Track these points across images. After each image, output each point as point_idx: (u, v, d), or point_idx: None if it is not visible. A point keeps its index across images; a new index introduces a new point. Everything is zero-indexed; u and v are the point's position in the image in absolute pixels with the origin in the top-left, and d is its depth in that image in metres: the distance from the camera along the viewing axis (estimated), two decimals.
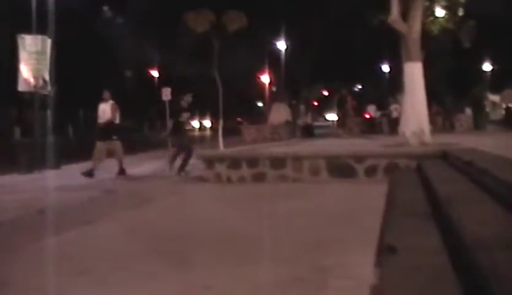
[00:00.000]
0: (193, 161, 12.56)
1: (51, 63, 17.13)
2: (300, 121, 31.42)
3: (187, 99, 13.89)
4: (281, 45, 43.35)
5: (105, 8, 51.36)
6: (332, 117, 28.50)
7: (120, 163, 13.59)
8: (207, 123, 37.68)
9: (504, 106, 30.16)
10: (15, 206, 8.68)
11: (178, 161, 13.20)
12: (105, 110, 13.95)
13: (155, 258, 5.08)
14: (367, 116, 32.96)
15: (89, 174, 12.98)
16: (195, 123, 37.82)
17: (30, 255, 5.36)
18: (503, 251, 3.19)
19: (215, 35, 14.26)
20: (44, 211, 8.12)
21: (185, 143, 13.59)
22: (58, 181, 12.81)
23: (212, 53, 14.34)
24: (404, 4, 12.56)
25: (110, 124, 13.79)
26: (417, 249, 3.93)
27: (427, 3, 19.05)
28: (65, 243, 5.85)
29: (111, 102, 14.10)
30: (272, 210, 7.30)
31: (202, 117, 38.84)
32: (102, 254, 5.31)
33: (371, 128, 27.64)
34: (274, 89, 45.89)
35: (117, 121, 14.05)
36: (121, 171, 13.54)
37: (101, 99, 14.34)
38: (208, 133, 34.37)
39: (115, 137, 13.69)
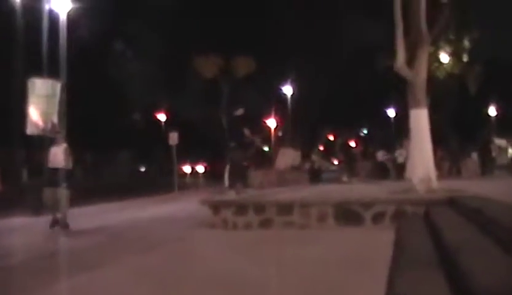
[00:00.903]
0: (198, 207, 12.54)
1: (61, 106, 17.29)
2: (306, 166, 31.39)
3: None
4: (287, 89, 43.66)
5: (118, 43, 51.86)
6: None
7: (63, 214, 12.29)
8: (199, 168, 37.53)
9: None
10: (25, 250, 8.70)
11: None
12: (57, 153, 13.00)
13: None
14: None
15: (54, 224, 12.02)
16: (187, 168, 37.67)
17: None
18: None
19: (224, 79, 14.42)
20: (54, 255, 8.14)
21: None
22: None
23: (220, 97, 14.47)
24: (410, 51, 12.68)
25: (60, 170, 12.66)
26: None
27: (432, 50, 19.26)
28: (75, 288, 5.85)
29: (64, 145, 13.27)
30: (279, 257, 7.29)
31: (195, 162, 38.63)
32: None
33: (379, 173, 27.56)
34: (280, 133, 46.01)
35: (69, 166, 13.04)
36: (58, 223, 12.17)
37: (53, 142, 13.46)
38: (200, 179, 34.21)
39: (64, 184, 12.54)
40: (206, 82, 16.41)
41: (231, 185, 14.55)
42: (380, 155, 28.35)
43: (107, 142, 48.50)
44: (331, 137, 69.95)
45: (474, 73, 26.88)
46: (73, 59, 19.52)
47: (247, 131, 15.47)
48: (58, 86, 17.23)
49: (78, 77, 23.85)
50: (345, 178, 17.89)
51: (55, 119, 17.04)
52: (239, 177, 15.23)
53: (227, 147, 15.17)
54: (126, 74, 47.90)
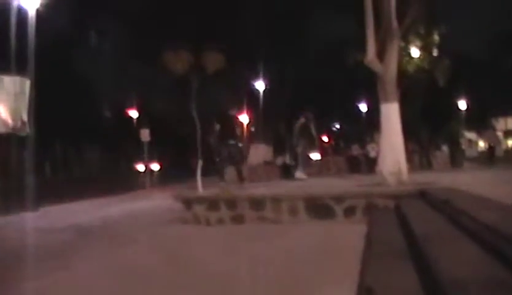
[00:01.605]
0: (171, 202, 12.49)
1: (30, 103, 17.09)
2: (278, 161, 31.45)
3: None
4: (259, 85, 43.65)
5: (88, 39, 51.33)
6: (315, 156, 28.55)
7: None
8: (155, 166, 37.03)
9: (486, 145, 30.51)
10: None
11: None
12: None
13: None
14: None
15: None
16: (140, 167, 37.19)
17: None
18: (479, 291, 3.22)
19: (194, 75, 14.35)
20: (23, 253, 8.05)
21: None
22: (35, 223, 12.71)
23: (191, 93, 14.41)
24: (380, 44, 12.73)
25: None
26: (394, 289, 3.95)
27: (403, 44, 19.38)
28: (45, 287, 5.79)
29: None
30: (251, 251, 7.29)
31: (150, 160, 38.02)
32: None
33: (352, 166, 27.66)
34: (252, 129, 46.00)
35: None
36: None
37: None
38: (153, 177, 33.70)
39: None
40: (176, 78, 16.32)
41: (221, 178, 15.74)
42: (355, 149, 28.49)
43: (77, 139, 48.08)
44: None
45: (443, 67, 27.09)
46: (42, 56, 19.28)
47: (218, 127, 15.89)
48: (26, 83, 17.03)
49: (47, 73, 23.58)
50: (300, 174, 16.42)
51: (24, 116, 16.85)
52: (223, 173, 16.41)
53: (223, 144, 15.89)
54: (96, 70, 47.49)
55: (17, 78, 16.89)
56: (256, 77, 43.27)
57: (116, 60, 47.41)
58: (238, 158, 16.58)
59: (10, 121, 16.51)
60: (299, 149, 16.95)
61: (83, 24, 47.88)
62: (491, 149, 27.79)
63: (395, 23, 12.56)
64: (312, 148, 17.32)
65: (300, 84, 43.81)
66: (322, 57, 41.99)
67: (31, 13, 18.89)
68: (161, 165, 38.68)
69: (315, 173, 22.10)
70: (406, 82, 20.56)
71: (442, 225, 5.96)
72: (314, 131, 16.40)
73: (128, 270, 6.56)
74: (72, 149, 50.93)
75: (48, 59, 27.95)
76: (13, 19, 18.35)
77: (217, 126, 15.78)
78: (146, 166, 37.33)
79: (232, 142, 16.42)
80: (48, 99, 27.00)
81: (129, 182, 28.89)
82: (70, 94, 44.23)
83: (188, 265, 6.58)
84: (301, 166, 16.76)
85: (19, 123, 16.68)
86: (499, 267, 3.69)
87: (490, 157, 26.79)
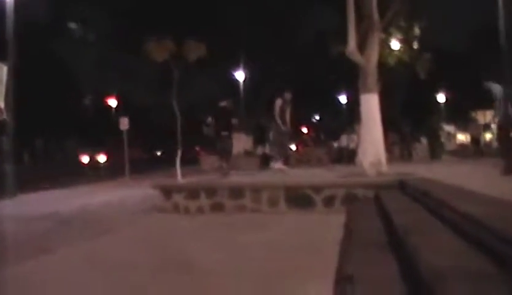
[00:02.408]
0: (151, 191, 12.42)
1: (8, 89, 16.86)
2: (258, 151, 31.42)
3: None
4: (240, 75, 43.61)
5: (72, 24, 50.95)
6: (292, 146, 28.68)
7: None
8: (101, 158, 36.02)
9: (469, 137, 30.89)
10: None
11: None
12: None
13: (114, 289, 5.01)
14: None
15: None
16: (85, 159, 36.25)
17: None
18: (459, 281, 3.22)
19: (175, 64, 14.24)
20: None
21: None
22: (14, 210, 12.62)
23: (172, 82, 14.31)
24: (362, 36, 12.76)
25: None
26: (374, 279, 3.95)
27: (384, 36, 19.42)
28: (23, 274, 5.73)
29: None
30: (230, 241, 7.28)
31: (95, 151, 37.24)
32: (61, 286, 5.21)
33: (338, 158, 27.75)
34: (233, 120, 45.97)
35: None
36: None
37: None
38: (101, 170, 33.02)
39: None
40: (157, 67, 16.25)
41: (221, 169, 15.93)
42: (345, 140, 28.48)
43: (56, 128, 47.75)
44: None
45: (423, 60, 27.23)
46: (22, 43, 19.06)
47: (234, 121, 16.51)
48: (3, 69, 16.77)
49: (26, 60, 23.36)
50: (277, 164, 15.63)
51: (1, 103, 16.62)
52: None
53: (220, 136, 16.30)
54: (77, 57, 47.15)
55: None
56: (237, 67, 43.22)
57: (98, 49, 47.15)
58: (229, 149, 16.76)
59: None
60: (275, 134, 16.22)
61: (65, 13, 47.53)
62: (476, 141, 28.10)
63: (376, 15, 12.60)
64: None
65: (282, 74, 43.81)
66: (304, 48, 42.03)
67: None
68: (107, 156, 37.50)
69: (294, 164, 22.12)
70: (386, 74, 20.61)
71: (422, 216, 5.97)
72: (288, 116, 15.64)
73: (104, 260, 6.50)
74: (52, 137, 50.62)
75: (28, 47, 27.70)
76: None
77: (209, 119, 15.86)
78: (91, 158, 36.72)
79: (225, 133, 16.58)
80: (27, 87, 26.77)
81: (111, 172, 28.76)
82: (50, 83, 43.91)
83: (164, 255, 6.52)
84: (278, 155, 16.03)
85: None
86: (479, 257, 3.70)
87: (476, 149, 27.11)
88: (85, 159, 36.71)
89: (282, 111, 15.33)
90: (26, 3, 21.36)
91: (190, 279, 5.31)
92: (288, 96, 15.64)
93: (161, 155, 62.30)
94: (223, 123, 16.71)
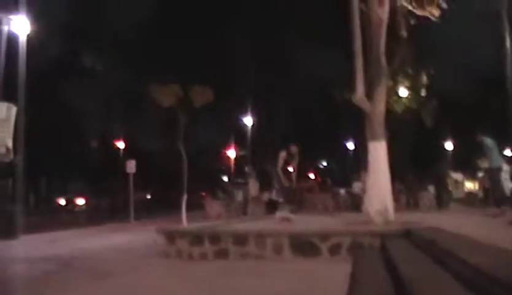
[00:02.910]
0: (154, 236, 12.29)
1: (19, 131, 16.95)
2: (265, 197, 31.28)
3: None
4: (248, 120, 43.80)
5: (86, 58, 51.38)
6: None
7: None
8: (80, 201, 35.42)
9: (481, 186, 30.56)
10: None
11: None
12: None
13: None
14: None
15: None
16: (62, 201, 35.79)
17: None
18: None
19: (182, 109, 14.26)
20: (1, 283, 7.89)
21: None
22: (14, 252, 12.53)
23: (178, 126, 14.31)
24: (369, 84, 12.76)
25: None
26: None
27: (391, 84, 19.48)
28: None
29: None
30: (231, 289, 7.13)
31: (74, 194, 36.51)
32: None
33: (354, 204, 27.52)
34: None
35: None
36: None
37: None
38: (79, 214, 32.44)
39: None
40: (164, 111, 16.33)
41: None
42: (356, 187, 28.25)
43: (62, 170, 47.83)
44: (291, 169, 70.02)
45: (430, 108, 27.28)
46: (30, 84, 19.20)
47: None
48: (13, 109, 16.85)
49: (34, 102, 23.48)
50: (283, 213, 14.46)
51: (9, 143, 16.65)
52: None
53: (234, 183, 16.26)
54: (83, 101, 47.46)
55: (4, 104, 16.72)
56: (244, 113, 43.44)
57: (106, 92, 47.50)
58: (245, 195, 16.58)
59: None
60: (278, 185, 15.81)
61: (72, 55, 48.04)
62: (486, 191, 27.81)
63: (384, 61, 12.60)
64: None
65: (287, 121, 44.01)
66: (310, 95, 42.27)
67: (22, 39, 18.86)
68: (86, 200, 37.19)
69: (300, 210, 21.97)
70: (393, 122, 20.61)
71: (428, 267, 5.85)
72: (292, 170, 15.02)
73: None
74: (57, 179, 50.67)
75: (36, 88, 27.89)
76: (3, 45, 18.29)
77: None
78: (67, 201, 36.43)
79: (240, 180, 16.47)
80: (35, 128, 26.88)
81: (111, 214, 28.65)
82: (57, 124, 44.14)
83: None
84: (284, 203, 15.18)
85: (3, 150, 16.47)
86: None
87: (486, 199, 26.81)
88: (62, 202, 36.50)
89: (286, 164, 14.81)
90: (36, 46, 21.62)
91: None
92: (294, 149, 15.18)
93: (150, 198, 62.15)
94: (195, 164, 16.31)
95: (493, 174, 15.52)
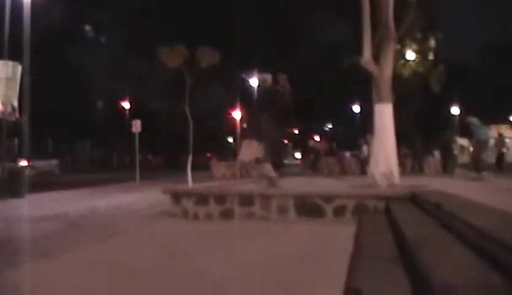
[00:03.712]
0: (160, 196, 12.36)
1: (24, 90, 16.97)
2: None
3: None
4: (253, 81, 43.64)
5: (88, 27, 51.26)
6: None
7: None
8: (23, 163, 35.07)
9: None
10: None
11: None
12: None
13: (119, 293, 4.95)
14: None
15: None
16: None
17: None
18: None
19: (188, 70, 14.19)
20: (7, 241, 7.96)
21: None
22: (21, 211, 12.63)
23: (185, 88, 14.26)
24: (376, 47, 12.70)
25: None
26: (383, 293, 3.85)
27: (399, 47, 19.35)
28: (24, 276, 5.67)
29: None
30: (238, 248, 7.18)
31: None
32: (63, 290, 5.14)
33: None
34: (245, 125, 45.99)
35: None
36: None
37: None
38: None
39: None
40: (170, 72, 16.30)
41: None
42: (365, 150, 28.31)
43: (68, 130, 47.95)
44: (296, 131, 70.07)
45: (438, 72, 27.14)
46: (36, 45, 19.14)
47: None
48: (18, 68, 16.85)
49: (40, 63, 23.45)
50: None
51: (15, 102, 16.69)
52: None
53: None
54: (90, 62, 47.42)
55: (9, 63, 16.72)
56: (251, 74, 43.24)
57: (111, 54, 47.42)
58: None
59: (0, 106, 16.35)
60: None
61: (80, 17, 47.87)
62: (500, 156, 27.68)
63: (392, 24, 12.52)
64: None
65: (293, 83, 43.83)
66: (316, 57, 42.08)
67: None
68: (28, 162, 37.29)
69: (306, 174, 22.03)
70: (400, 86, 20.53)
71: (433, 229, 5.87)
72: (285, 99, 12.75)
73: (108, 264, 6.42)
74: (64, 139, 50.84)
75: (43, 50, 27.83)
76: (8, 5, 18.19)
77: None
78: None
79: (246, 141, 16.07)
80: (41, 89, 26.88)
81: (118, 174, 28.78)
82: (62, 86, 44.15)
83: (169, 262, 6.42)
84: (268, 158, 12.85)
85: (9, 109, 16.52)
86: (492, 272, 3.60)
87: (499, 164, 26.69)
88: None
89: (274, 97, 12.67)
90: (42, 7, 21.48)
91: (194, 286, 5.22)
92: (282, 78, 13.46)
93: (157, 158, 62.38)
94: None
95: (480, 145, 17.89)
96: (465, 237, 4.85)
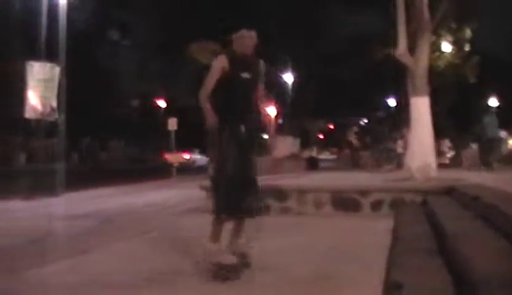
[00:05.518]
0: (196, 192, 12.37)
1: (60, 90, 17.20)
2: (305, 154, 31.27)
3: None
4: (288, 77, 43.56)
5: (113, 32, 51.79)
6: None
7: None
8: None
9: None
10: (15, 233, 8.70)
11: None
12: None
13: (152, 290, 4.99)
14: None
15: None
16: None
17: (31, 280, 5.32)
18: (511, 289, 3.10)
19: None
20: (44, 239, 8.09)
21: None
22: (56, 209, 12.80)
23: None
24: (412, 38, 12.57)
25: None
26: (423, 286, 3.82)
27: (434, 38, 19.10)
28: (58, 273, 5.75)
29: None
30: (273, 243, 7.17)
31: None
32: (98, 285, 5.21)
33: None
34: (280, 121, 45.94)
35: None
36: None
37: None
38: None
39: None
40: (202, 68, 16.42)
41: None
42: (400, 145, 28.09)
43: (103, 127, 48.61)
44: (331, 127, 69.85)
45: (473, 63, 26.73)
46: (70, 45, 19.37)
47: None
48: (56, 69, 17.11)
49: (75, 62, 23.73)
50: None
51: (54, 103, 16.96)
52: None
53: None
54: (121, 61, 47.94)
55: (47, 65, 16.97)
56: (284, 70, 43.18)
57: (140, 53, 47.82)
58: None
59: (39, 107, 16.61)
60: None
61: (106, 20, 48.36)
62: None
63: (427, 15, 12.38)
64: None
65: (326, 78, 43.70)
66: (349, 51, 41.82)
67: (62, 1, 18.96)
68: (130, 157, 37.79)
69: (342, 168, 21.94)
70: (436, 78, 20.25)
71: (472, 223, 5.80)
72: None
73: (138, 260, 6.47)
74: (100, 138, 51.53)
75: (77, 49, 28.16)
76: (44, 6, 18.43)
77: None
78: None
79: None
80: (76, 89, 27.25)
81: (154, 172, 28.99)
82: (96, 86, 44.74)
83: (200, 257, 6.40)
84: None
85: (48, 109, 16.79)
86: None
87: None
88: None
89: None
90: (74, 10, 21.74)
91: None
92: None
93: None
94: None
95: (492, 142, 19.65)
96: (504, 230, 4.78)
